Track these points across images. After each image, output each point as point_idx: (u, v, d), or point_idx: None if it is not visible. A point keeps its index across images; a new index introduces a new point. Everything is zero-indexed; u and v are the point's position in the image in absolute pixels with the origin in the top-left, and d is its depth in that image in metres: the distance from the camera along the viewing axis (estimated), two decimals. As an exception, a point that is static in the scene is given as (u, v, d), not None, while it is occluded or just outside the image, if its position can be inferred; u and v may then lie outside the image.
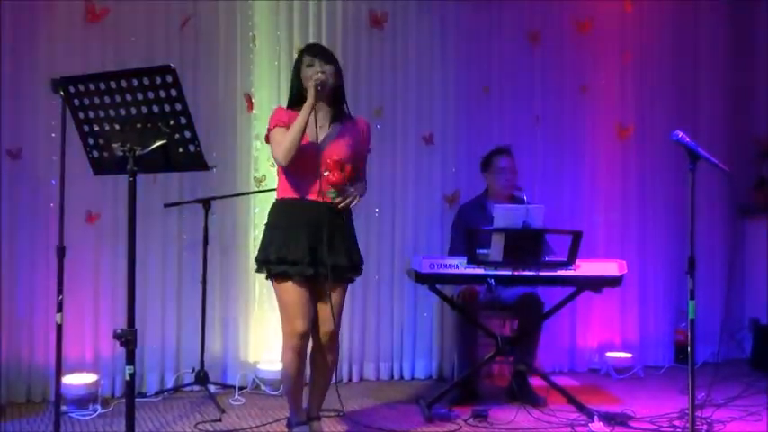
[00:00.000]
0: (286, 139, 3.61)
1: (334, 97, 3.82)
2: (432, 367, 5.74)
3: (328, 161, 3.66)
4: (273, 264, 3.69)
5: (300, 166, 3.68)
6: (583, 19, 6.10)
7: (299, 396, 3.89)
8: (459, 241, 5.01)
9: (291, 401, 3.89)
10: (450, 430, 4.33)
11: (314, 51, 3.82)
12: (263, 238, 3.81)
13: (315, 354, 3.92)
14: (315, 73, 3.68)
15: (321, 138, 3.73)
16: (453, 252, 5.10)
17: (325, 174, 3.66)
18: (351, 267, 3.84)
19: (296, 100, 3.79)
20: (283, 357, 3.81)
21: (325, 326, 3.83)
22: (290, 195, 3.76)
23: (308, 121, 3.62)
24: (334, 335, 3.88)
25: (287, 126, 3.67)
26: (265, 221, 3.86)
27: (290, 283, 3.69)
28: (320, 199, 3.70)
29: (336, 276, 3.76)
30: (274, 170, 3.85)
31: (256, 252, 3.84)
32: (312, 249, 3.68)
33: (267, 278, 3.80)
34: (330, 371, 3.97)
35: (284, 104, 3.94)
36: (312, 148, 3.69)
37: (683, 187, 6.04)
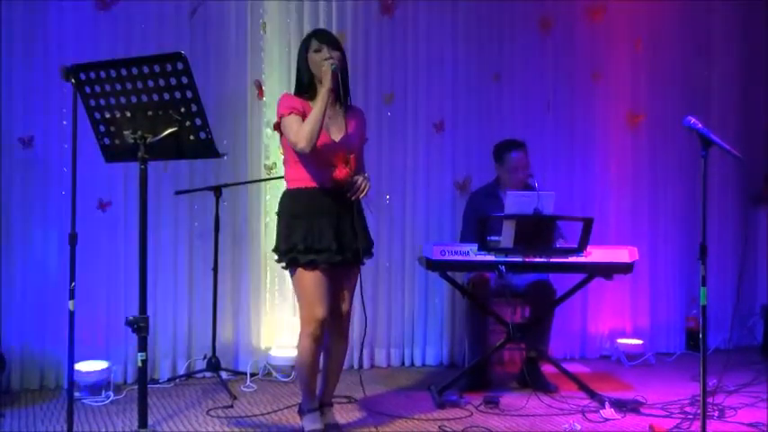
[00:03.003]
0: (308, 126, 3.56)
1: (341, 86, 3.80)
2: (443, 354, 5.75)
3: (333, 158, 3.67)
4: (301, 253, 3.67)
5: (314, 155, 3.66)
6: (595, 6, 6.07)
7: (314, 383, 3.89)
8: (471, 229, 5.01)
9: (305, 388, 3.90)
10: (462, 417, 4.33)
11: (322, 38, 3.76)
12: (283, 227, 3.76)
13: (328, 340, 3.93)
14: (324, 58, 3.67)
15: (333, 127, 3.74)
16: (464, 239, 5.10)
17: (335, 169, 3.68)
18: (367, 250, 3.87)
19: (306, 86, 3.78)
20: (300, 343, 3.79)
21: (342, 308, 3.87)
22: (305, 185, 3.74)
23: (327, 106, 3.61)
24: (348, 317, 3.92)
25: (300, 112, 3.65)
26: (278, 210, 3.84)
27: (316, 271, 3.68)
28: (335, 187, 3.71)
29: (356, 260, 3.81)
30: (284, 158, 3.84)
31: (275, 242, 3.80)
32: (336, 235, 3.70)
33: (285, 268, 3.78)
34: (342, 356, 4.00)
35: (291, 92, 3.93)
36: (329, 142, 3.69)
37: (694, 174, 6.04)
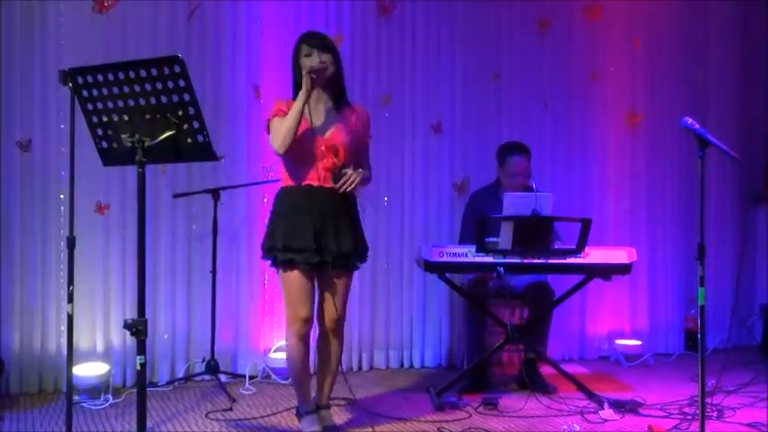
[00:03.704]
0: (282, 127, 3.62)
1: (333, 85, 3.81)
2: (441, 355, 5.75)
3: (322, 147, 3.69)
4: (279, 251, 3.70)
5: (301, 154, 3.71)
6: (593, 5, 6.07)
7: (306, 384, 3.91)
8: (470, 229, 5.00)
9: (299, 390, 3.91)
10: (460, 418, 4.33)
11: (312, 41, 3.79)
12: (269, 225, 3.82)
13: (321, 342, 3.95)
14: (313, 63, 3.69)
15: (319, 125, 3.75)
16: (463, 240, 5.10)
17: (322, 160, 3.70)
18: (356, 254, 3.85)
19: (298, 90, 3.79)
20: (287, 343, 3.84)
21: (332, 312, 3.86)
22: (293, 183, 3.77)
23: (303, 108, 3.63)
24: (340, 321, 3.91)
25: (285, 115, 3.69)
26: (270, 209, 3.88)
27: (295, 271, 3.71)
28: (323, 185, 3.72)
29: (343, 263, 3.80)
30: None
31: (263, 239, 3.85)
32: (317, 236, 3.70)
33: (272, 265, 3.82)
34: (337, 359, 3.99)
35: (289, 95, 3.94)
36: (311, 135, 3.71)
37: (692, 175, 6.03)
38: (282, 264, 3.72)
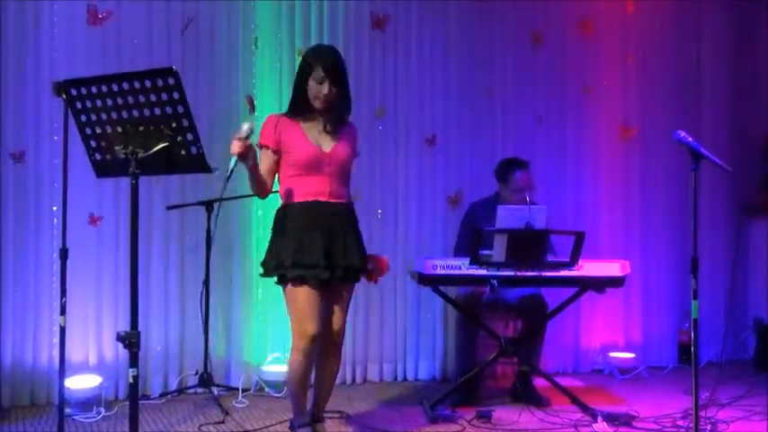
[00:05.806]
0: (252, 182, 3.73)
1: (335, 107, 3.78)
2: (435, 368, 5.74)
3: (324, 169, 3.72)
4: (288, 268, 3.66)
5: (304, 170, 3.70)
6: (585, 20, 6.09)
7: (304, 398, 3.88)
8: (466, 239, 4.99)
9: (295, 403, 3.88)
10: (454, 431, 4.32)
11: (327, 67, 3.66)
12: (274, 242, 3.76)
13: (320, 355, 3.92)
14: (320, 92, 3.67)
15: (326, 143, 3.75)
16: (459, 248, 5.10)
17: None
18: (361, 267, 3.85)
19: (299, 108, 3.76)
20: (291, 359, 3.77)
21: (335, 324, 3.84)
22: (299, 199, 3.73)
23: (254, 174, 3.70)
24: (342, 333, 3.90)
25: (273, 145, 3.73)
26: (272, 226, 3.83)
27: (304, 287, 3.66)
28: (330, 200, 3.71)
29: (349, 277, 3.80)
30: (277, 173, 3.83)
31: (264, 257, 3.78)
32: (327, 252, 3.68)
33: (278, 283, 3.76)
34: (335, 372, 3.97)
35: (283, 108, 3.93)
36: (319, 153, 3.70)
37: (686, 187, 6.02)
38: (292, 280, 3.68)
